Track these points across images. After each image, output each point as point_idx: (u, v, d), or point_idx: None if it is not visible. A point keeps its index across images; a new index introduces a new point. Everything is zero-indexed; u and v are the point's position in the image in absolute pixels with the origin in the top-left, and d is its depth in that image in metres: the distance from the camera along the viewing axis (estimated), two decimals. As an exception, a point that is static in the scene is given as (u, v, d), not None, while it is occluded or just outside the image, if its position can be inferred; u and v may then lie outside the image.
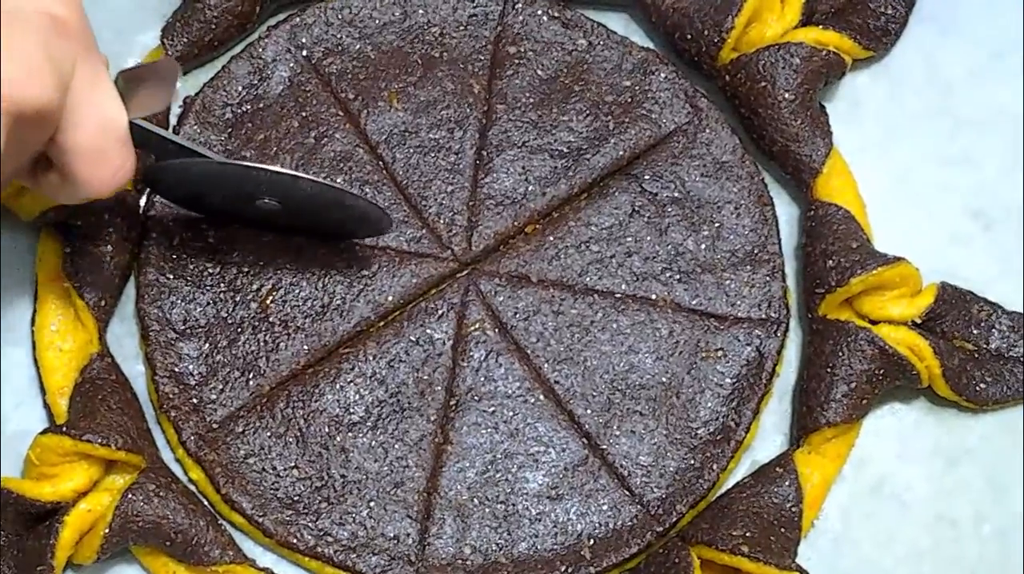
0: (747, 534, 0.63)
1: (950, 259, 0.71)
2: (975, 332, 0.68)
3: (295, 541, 0.64)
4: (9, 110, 0.46)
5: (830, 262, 0.67)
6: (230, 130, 0.70)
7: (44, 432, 0.63)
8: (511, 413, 0.66)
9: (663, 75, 0.72)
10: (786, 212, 0.72)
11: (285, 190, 0.63)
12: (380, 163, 0.70)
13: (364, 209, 0.65)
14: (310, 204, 0.64)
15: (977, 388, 0.67)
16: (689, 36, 0.72)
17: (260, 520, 0.64)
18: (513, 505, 0.65)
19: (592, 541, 0.65)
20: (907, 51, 0.75)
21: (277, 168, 0.63)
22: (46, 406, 0.67)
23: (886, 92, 0.74)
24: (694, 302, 0.68)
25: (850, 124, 0.73)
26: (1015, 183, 0.72)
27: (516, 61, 0.72)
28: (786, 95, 0.70)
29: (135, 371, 0.67)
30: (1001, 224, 0.71)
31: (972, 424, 0.68)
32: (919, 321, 0.67)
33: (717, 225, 0.70)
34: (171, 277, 0.68)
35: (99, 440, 0.62)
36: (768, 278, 0.69)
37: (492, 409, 0.66)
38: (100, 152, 0.53)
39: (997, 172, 0.72)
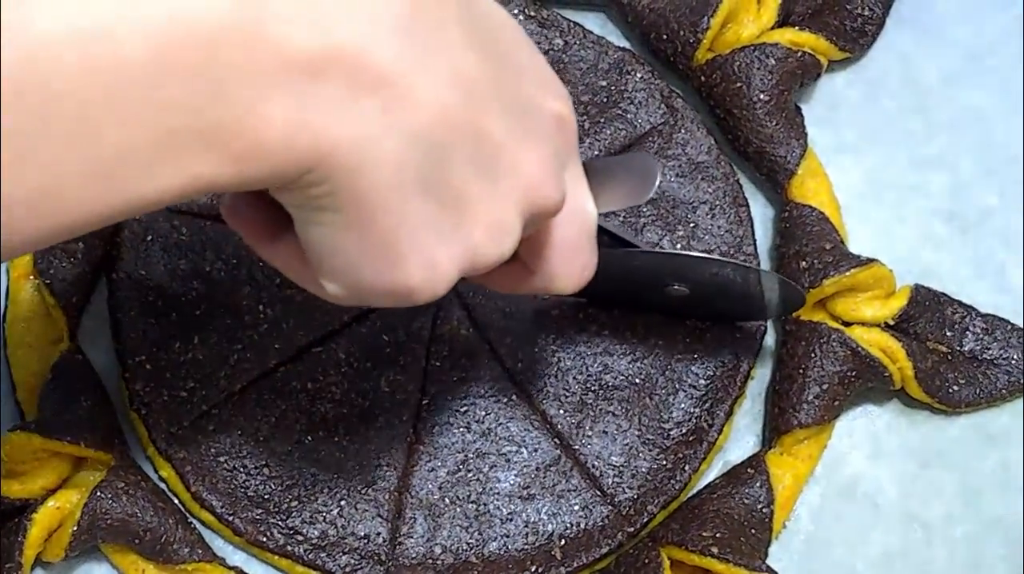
0: (717, 535, 0.63)
1: (924, 261, 0.72)
2: (949, 334, 0.69)
3: (265, 540, 0.65)
4: (527, 208, 0.46)
5: (803, 263, 0.68)
6: None
7: (13, 429, 0.64)
8: (483, 413, 0.67)
9: (639, 75, 0.73)
10: (761, 213, 0.73)
11: (698, 275, 0.62)
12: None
13: (784, 290, 0.65)
14: (721, 288, 0.63)
15: (950, 390, 0.68)
16: (665, 36, 0.73)
17: (230, 518, 0.65)
18: (484, 505, 0.66)
19: (563, 541, 0.66)
20: (883, 53, 0.76)
21: (701, 254, 0.62)
22: (17, 403, 0.67)
23: (862, 94, 0.75)
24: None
25: (825, 125, 0.74)
26: (989, 186, 0.73)
27: (492, 61, 0.73)
28: (761, 96, 0.71)
29: (106, 368, 0.68)
30: (975, 227, 0.73)
31: (945, 426, 0.69)
32: (892, 323, 0.68)
33: (692, 225, 0.71)
34: (143, 274, 0.69)
35: (68, 437, 0.63)
36: (743, 279, 0.70)
37: (464, 409, 0.67)
38: (578, 250, 0.52)
39: (972, 174, 0.74)
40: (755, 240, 0.72)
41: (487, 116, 0.44)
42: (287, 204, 0.44)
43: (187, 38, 0.38)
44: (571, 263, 0.52)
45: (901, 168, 0.74)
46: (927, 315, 0.69)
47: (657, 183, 0.55)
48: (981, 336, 0.70)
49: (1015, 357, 0.69)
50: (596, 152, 0.73)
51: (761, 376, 0.70)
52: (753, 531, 0.65)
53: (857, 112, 0.75)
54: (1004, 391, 0.69)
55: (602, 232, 0.56)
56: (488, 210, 0.45)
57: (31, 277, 0.68)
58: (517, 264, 0.52)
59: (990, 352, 0.69)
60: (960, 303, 0.70)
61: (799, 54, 0.72)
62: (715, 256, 0.60)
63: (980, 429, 0.69)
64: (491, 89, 0.44)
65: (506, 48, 0.46)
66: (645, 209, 0.71)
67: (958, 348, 0.70)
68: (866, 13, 0.75)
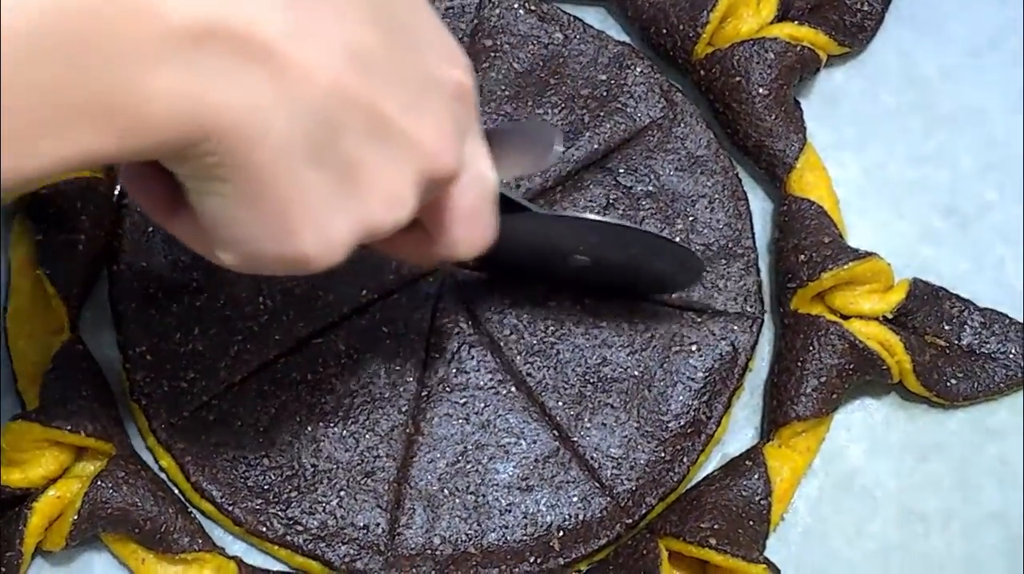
0: (715, 526, 0.64)
1: (922, 255, 0.72)
2: (947, 328, 0.70)
3: (264, 530, 0.65)
4: (423, 178, 0.47)
5: (802, 257, 0.69)
6: None
7: (14, 418, 0.64)
8: (483, 404, 0.68)
9: (639, 69, 0.74)
10: (760, 207, 0.73)
11: (601, 245, 0.63)
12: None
13: (682, 257, 0.65)
14: (624, 258, 0.63)
15: (948, 384, 0.68)
16: (664, 31, 0.73)
17: (230, 508, 0.66)
18: (483, 496, 0.66)
19: (561, 532, 0.66)
20: (883, 48, 0.76)
21: (602, 218, 0.62)
22: (17, 393, 0.67)
23: (861, 89, 0.75)
24: (672, 295, 0.70)
25: (824, 120, 0.74)
26: (988, 181, 0.74)
27: (492, 54, 0.74)
28: (760, 90, 0.71)
29: (107, 359, 0.68)
30: (974, 222, 0.73)
31: (943, 420, 0.70)
32: (890, 316, 0.69)
33: (691, 219, 0.71)
34: (144, 266, 0.69)
35: (69, 427, 0.64)
36: (743, 272, 0.71)
37: (464, 400, 0.68)
38: (478, 215, 0.52)
39: (970, 170, 0.74)
40: (754, 234, 0.72)
41: (382, 88, 0.44)
42: (180, 175, 0.44)
43: (67, 11, 0.38)
44: (471, 229, 0.52)
45: (900, 163, 0.74)
46: (925, 309, 0.70)
47: (556, 151, 0.56)
48: (979, 330, 0.70)
49: (1013, 351, 0.70)
50: (596, 147, 0.73)
51: (759, 369, 0.71)
52: (751, 523, 0.65)
53: (856, 107, 0.75)
54: (1002, 385, 0.69)
55: (507, 202, 0.57)
56: (382, 180, 0.45)
57: (32, 269, 0.68)
58: (419, 231, 0.52)
59: (988, 346, 0.70)
60: (958, 297, 0.71)
61: (798, 48, 0.72)
62: (613, 219, 0.60)
63: (978, 423, 0.70)
64: (387, 60, 0.45)
65: (404, 19, 0.47)
66: (644, 203, 0.72)
67: (956, 342, 0.70)
68: (865, 8, 0.76)
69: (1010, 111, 0.75)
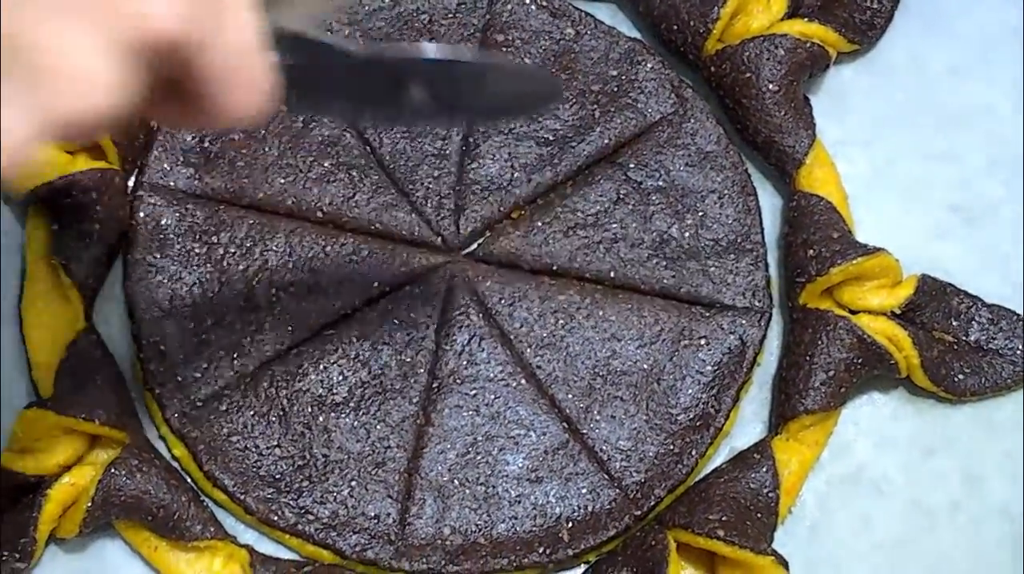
0: (723, 518, 0.65)
1: (931, 252, 0.73)
2: (955, 324, 0.70)
3: (276, 518, 0.66)
4: (130, 46, 0.41)
5: (811, 251, 0.70)
6: None
7: (29, 406, 0.65)
8: (493, 396, 0.69)
9: (649, 65, 0.74)
10: (769, 203, 0.74)
11: (436, 79, 0.56)
12: (367, 148, 0.73)
13: (531, 76, 0.61)
14: (464, 86, 0.57)
15: (955, 379, 0.69)
16: (675, 27, 0.74)
17: (242, 497, 0.67)
18: (493, 487, 0.67)
19: (571, 523, 0.67)
20: (892, 46, 0.77)
21: (424, 55, 0.56)
22: (32, 382, 0.68)
23: (870, 86, 0.76)
24: (681, 289, 0.71)
25: (834, 117, 0.75)
26: (997, 178, 0.75)
27: (504, 49, 0.75)
28: (770, 86, 0.72)
29: (121, 349, 0.69)
30: (982, 219, 0.74)
31: (950, 414, 0.71)
32: (899, 311, 0.70)
33: (701, 214, 0.72)
34: (158, 256, 0.70)
35: (83, 415, 0.64)
36: (752, 267, 0.71)
37: (474, 392, 0.69)
38: (238, 68, 0.46)
39: (979, 167, 0.75)
40: (763, 229, 0.73)
41: None
42: None
43: None
44: (235, 83, 0.46)
45: (908, 159, 0.75)
46: (933, 305, 0.71)
47: None
48: (986, 326, 0.71)
49: (1020, 347, 0.71)
50: (606, 142, 0.74)
51: (767, 363, 0.72)
52: (759, 515, 0.66)
53: (864, 104, 0.76)
54: (1009, 381, 0.70)
55: (304, 43, 0.51)
56: (65, 60, 0.40)
57: (48, 258, 0.69)
58: (185, 98, 0.47)
59: (995, 342, 0.71)
60: (966, 293, 0.72)
61: (808, 45, 0.73)
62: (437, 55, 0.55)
63: (984, 418, 0.71)
64: None
65: None
66: (654, 197, 0.73)
67: (964, 338, 0.71)
68: (875, 6, 0.76)
69: (1018, 108, 0.76)
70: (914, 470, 0.70)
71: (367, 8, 0.74)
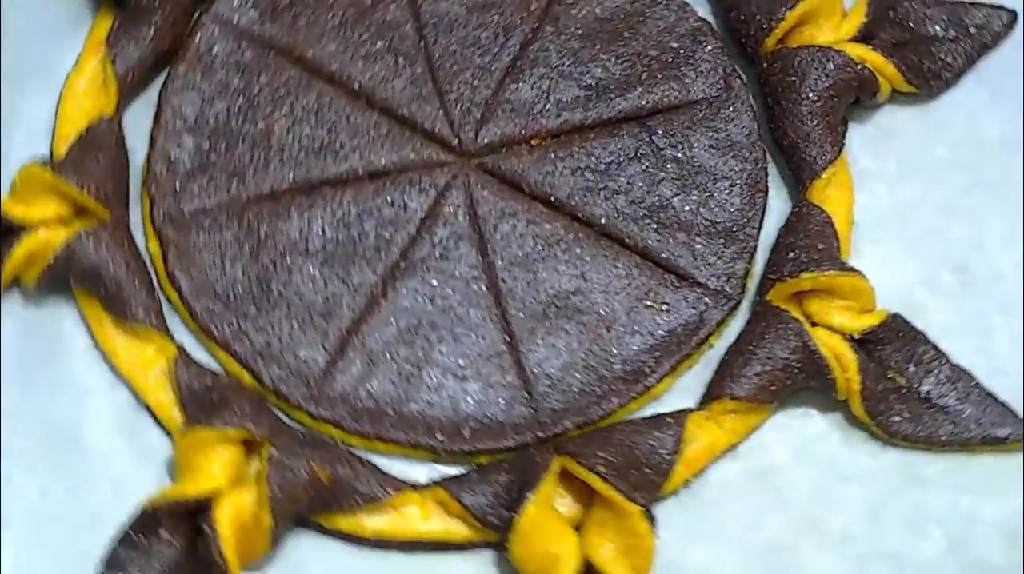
0: (611, 459, 0.71)
1: (916, 299, 0.79)
2: (912, 369, 0.76)
3: (214, 330, 0.75)
4: None
5: (791, 254, 0.76)
6: None
7: (32, 163, 0.75)
8: (451, 291, 0.77)
9: (709, 47, 0.82)
10: (780, 207, 0.81)
11: None
12: (422, 42, 0.82)
13: None
14: None
15: (892, 419, 0.74)
16: (743, 17, 0.82)
17: (191, 302, 0.76)
18: (419, 369, 0.75)
19: (476, 424, 0.74)
20: (954, 102, 0.84)
21: None
22: (50, 150, 0.79)
23: (920, 132, 0.83)
24: (662, 254, 0.78)
25: (873, 148, 0.82)
26: (1009, 255, 0.80)
27: (582, -5, 0.83)
28: (810, 94, 0.79)
29: (137, 150, 0.79)
30: (980, 287, 0.80)
31: (878, 453, 0.76)
32: (857, 337, 0.75)
33: (708, 194, 0.79)
34: (199, 77, 0.80)
35: (75, 181, 0.74)
36: (736, 256, 0.78)
37: (435, 282, 0.77)
38: None
39: (996, 239, 0.81)
40: (761, 226, 0.79)
41: None
42: None
43: None
44: None
45: (929, 210, 0.81)
46: (897, 345, 0.76)
47: None
48: (943, 383, 0.76)
49: (968, 412, 0.75)
50: (643, 103, 0.81)
51: (721, 349, 0.77)
52: (648, 471, 0.73)
53: (908, 147, 0.83)
54: (944, 439, 0.75)
55: None
56: None
57: (100, 47, 0.80)
58: None
59: (945, 399, 0.75)
60: (935, 346, 0.77)
61: (859, 67, 0.80)
62: None
63: (910, 467, 0.76)
64: None
65: None
66: (669, 166, 0.80)
67: (916, 386, 0.76)
68: (948, 60, 0.83)
69: (1054, 196, 0.80)
70: (823, 491, 0.75)
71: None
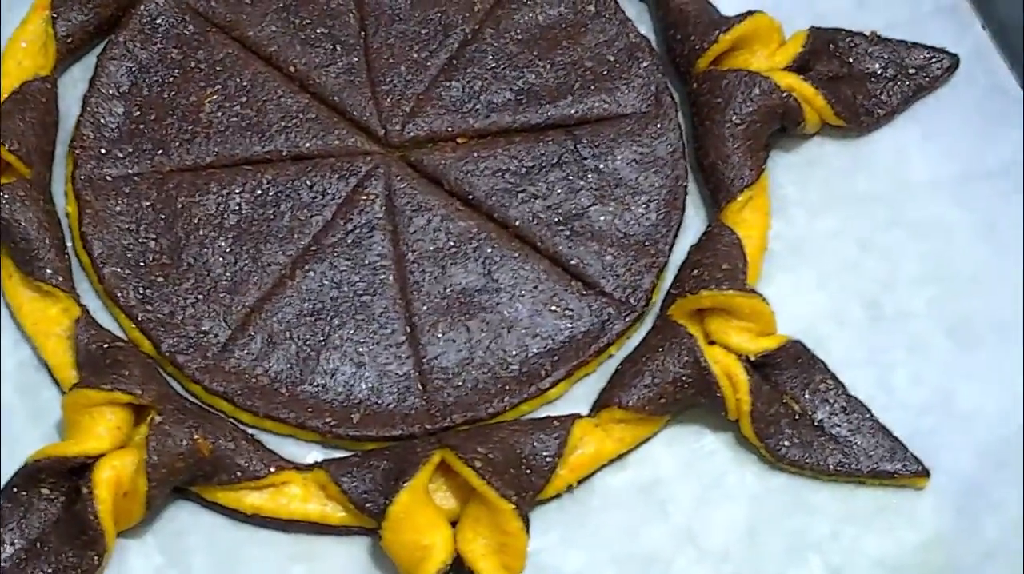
0: (490, 456, 0.71)
1: (821, 330, 0.78)
2: (807, 397, 0.75)
3: (119, 295, 0.76)
4: None
5: (695, 271, 0.76)
6: None
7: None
8: (357, 278, 0.77)
9: (645, 63, 0.82)
10: (698, 228, 0.80)
11: None
12: (362, 32, 0.83)
13: None
14: None
15: (781, 443, 0.74)
16: (678, 36, 0.82)
17: (101, 266, 0.76)
18: (317, 352, 0.75)
19: (365, 410, 0.74)
20: (884, 139, 0.83)
21: None
22: (-16, 107, 0.80)
23: (846, 165, 0.82)
24: (571, 261, 0.78)
25: (796, 178, 0.82)
26: (923, 294, 0.80)
27: (525, 2, 0.83)
28: (733, 117, 0.79)
29: (71, 115, 0.80)
30: (889, 323, 0.79)
31: (766, 476, 0.76)
32: (753, 359, 0.74)
33: (624, 207, 0.79)
34: (137, 46, 0.81)
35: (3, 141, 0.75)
36: (645, 269, 0.78)
37: (344, 268, 0.77)
38: None
39: (911, 278, 0.80)
40: (673, 244, 0.79)
41: None
42: None
43: None
44: None
45: (847, 242, 0.81)
46: (794, 371, 0.75)
47: None
48: (837, 412, 0.75)
49: (859, 443, 0.75)
50: (572, 112, 0.81)
51: (622, 357, 0.77)
52: (527, 472, 0.72)
53: (832, 179, 0.82)
54: (832, 468, 0.74)
55: None
56: None
57: (46, 10, 0.80)
58: None
59: (838, 429, 0.75)
60: (833, 376, 0.76)
61: (785, 95, 0.79)
62: None
63: (797, 493, 0.75)
64: None
65: None
66: (590, 176, 0.80)
67: (810, 413, 0.75)
68: (883, 98, 0.82)
69: (975, 242, 0.80)
70: (706, 507, 0.75)
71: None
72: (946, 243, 0.81)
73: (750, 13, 0.82)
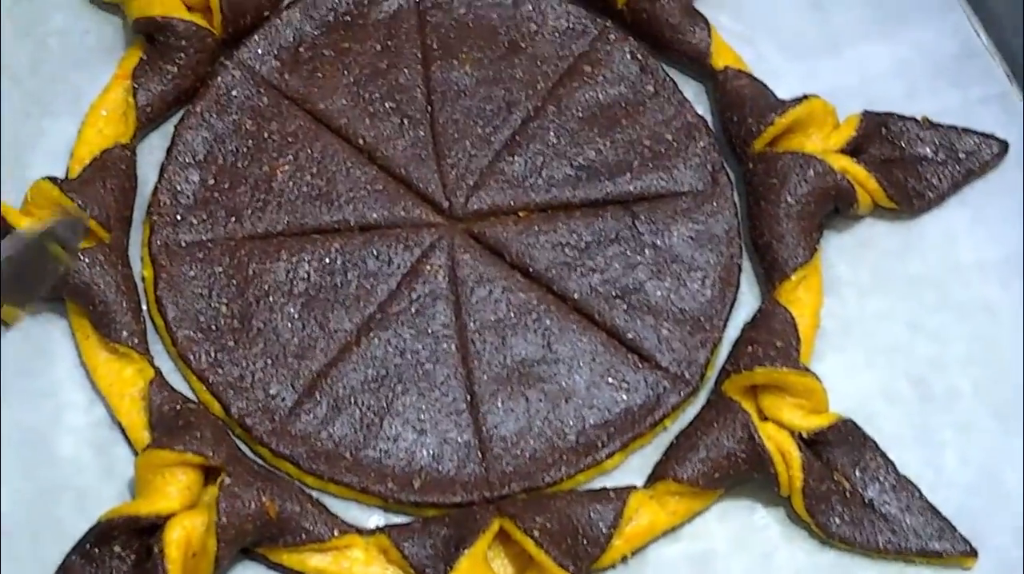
0: (548, 526, 0.72)
1: (871, 408, 0.79)
2: (857, 475, 0.76)
3: (191, 358, 0.77)
4: None
5: (749, 348, 0.76)
6: (326, 27, 0.84)
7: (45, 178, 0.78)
8: (420, 346, 0.78)
9: (702, 143, 0.83)
10: (752, 304, 0.81)
11: None
12: (429, 107, 0.84)
13: None
14: None
15: (831, 520, 0.75)
16: (735, 118, 0.82)
17: (175, 329, 0.78)
18: (381, 418, 0.76)
19: (427, 476, 0.75)
20: (935, 221, 0.84)
21: None
22: (67, 169, 0.81)
23: (896, 247, 0.83)
24: (628, 334, 0.79)
25: (848, 257, 0.83)
26: (969, 374, 0.80)
27: (586, 79, 0.85)
28: (788, 198, 0.80)
29: (149, 181, 0.81)
30: (937, 402, 0.79)
31: (815, 553, 0.76)
32: (805, 437, 0.75)
33: (680, 282, 0.80)
34: (213, 116, 0.83)
35: (80, 201, 0.77)
36: (700, 344, 0.79)
37: (408, 336, 0.78)
38: None
39: (959, 358, 0.81)
40: (728, 319, 0.80)
41: None
42: None
43: None
44: None
45: (897, 323, 0.81)
46: (845, 448, 0.76)
47: None
48: (888, 491, 0.76)
49: (908, 522, 0.75)
50: (631, 189, 0.83)
51: (674, 431, 0.78)
52: (584, 542, 0.73)
53: (883, 259, 0.83)
54: (881, 546, 0.75)
55: None
56: None
57: (126, 80, 0.82)
58: None
59: (887, 508, 0.75)
60: (883, 454, 0.77)
61: (839, 178, 0.80)
62: None
63: (846, 570, 0.76)
64: None
65: None
66: (647, 251, 0.81)
67: (860, 491, 0.76)
68: (934, 182, 0.83)
69: (1021, 324, 0.80)
70: (756, 580, 0.75)
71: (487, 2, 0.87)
72: (993, 325, 0.82)
73: (805, 97, 0.83)
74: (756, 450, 0.75)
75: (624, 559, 0.76)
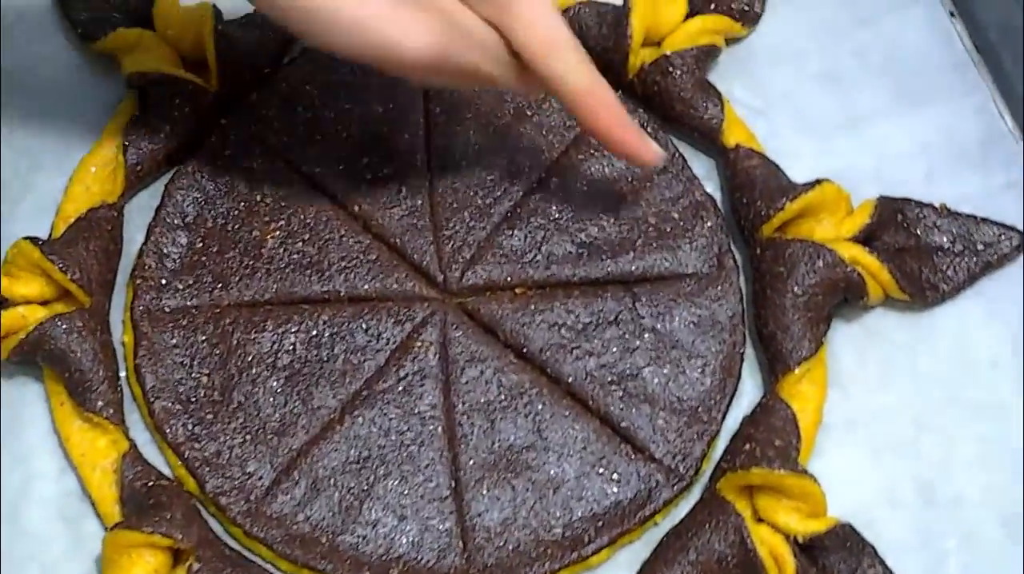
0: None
1: (873, 513, 0.75)
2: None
3: (168, 431, 0.74)
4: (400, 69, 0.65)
5: (747, 446, 0.73)
6: (327, 88, 0.82)
7: (26, 239, 0.75)
8: (406, 427, 0.74)
9: (709, 224, 0.79)
10: (753, 395, 0.77)
11: None
12: (428, 172, 0.80)
13: None
14: None
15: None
16: (745, 200, 0.79)
17: (152, 400, 0.74)
18: (360, 502, 0.73)
19: (404, 566, 0.71)
20: (947, 315, 0.80)
21: None
22: (51, 227, 0.78)
23: (906, 339, 0.79)
24: (622, 422, 0.75)
25: (856, 351, 0.79)
26: (977, 477, 0.76)
27: (593, 152, 0.81)
28: (795, 288, 0.76)
29: (136, 242, 0.78)
30: (941, 508, 0.75)
31: None
32: (801, 541, 0.71)
33: (680, 370, 0.76)
34: (204, 178, 0.79)
35: (60, 263, 0.73)
36: (696, 437, 0.75)
37: (392, 417, 0.74)
38: (554, 41, 0.69)
39: (966, 461, 0.76)
40: (727, 411, 0.76)
41: None
42: None
43: None
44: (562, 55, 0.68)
45: (903, 421, 0.77)
46: (842, 554, 0.73)
47: None
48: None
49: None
50: (633, 270, 0.79)
51: (665, 527, 0.74)
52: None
53: (893, 354, 0.79)
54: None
55: None
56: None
57: (117, 137, 0.79)
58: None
59: None
60: (882, 562, 0.74)
61: (849, 269, 0.76)
62: None
63: None
64: None
65: None
66: (647, 336, 0.77)
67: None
68: (949, 273, 0.79)
69: (1032, 431, 0.77)
70: None
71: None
72: (1004, 427, 0.78)
73: (819, 182, 0.79)
74: (748, 555, 0.71)
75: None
